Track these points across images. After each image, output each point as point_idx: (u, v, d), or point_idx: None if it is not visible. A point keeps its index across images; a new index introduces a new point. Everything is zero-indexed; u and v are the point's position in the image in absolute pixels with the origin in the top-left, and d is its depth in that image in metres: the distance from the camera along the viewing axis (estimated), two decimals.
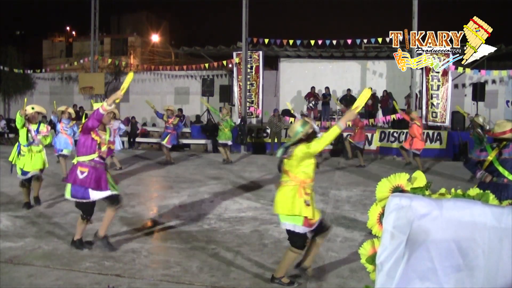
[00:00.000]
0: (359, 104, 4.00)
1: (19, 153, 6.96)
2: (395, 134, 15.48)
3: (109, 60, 21.50)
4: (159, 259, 4.92)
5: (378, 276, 2.71)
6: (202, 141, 16.58)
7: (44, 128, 7.12)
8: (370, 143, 15.44)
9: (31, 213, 6.76)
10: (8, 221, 6.28)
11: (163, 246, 5.40)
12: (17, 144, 7.07)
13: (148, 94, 20.95)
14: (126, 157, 13.28)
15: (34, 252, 5.03)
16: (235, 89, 17.43)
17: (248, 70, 16.97)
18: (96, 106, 5.83)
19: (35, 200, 7.22)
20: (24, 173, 6.94)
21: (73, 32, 40.10)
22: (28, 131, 6.96)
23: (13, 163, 7.04)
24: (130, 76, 4.88)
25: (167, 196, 8.15)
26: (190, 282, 4.27)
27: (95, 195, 4.94)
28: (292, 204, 4.04)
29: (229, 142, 12.90)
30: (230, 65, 17.99)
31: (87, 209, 5.05)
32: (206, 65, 18.83)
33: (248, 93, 16.90)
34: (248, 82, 16.97)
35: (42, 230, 5.86)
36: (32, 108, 7.04)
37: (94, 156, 4.96)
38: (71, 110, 9.88)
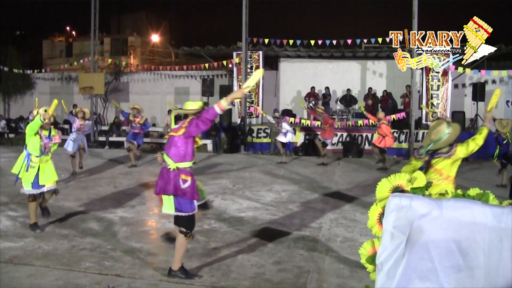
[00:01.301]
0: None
1: (28, 165, 5.88)
2: (395, 134, 15.48)
3: (109, 60, 21.49)
4: (159, 259, 4.92)
5: (378, 276, 2.71)
6: (203, 141, 16.57)
7: (56, 133, 6.23)
8: (370, 143, 15.44)
9: None
10: (8, 221, 6.28)
11: (163, 246, 5.39)
12: (24, 154, 5.95)
13: (148, 94, 20.97)
14: (127, 157, 13.27)
15: (34, 252, 5.03)
16: (235, 89, 17.41)
17: (248, 70, 16.97)
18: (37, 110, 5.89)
19: (44, 211, 6.28)
20: (38, 187, 5.91)
21: (73, 32, 40.15)
22: (40, 138, 5.99)
23: (19, 176, 5.92)
24: (259, 73, 4.35)
25: None
26: (190, 282, 4.27)
27: (196, 205, 4.40)
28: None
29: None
30: (230, 65, 17.99)
31: (193, 223, 4.42)
32: (206, 65, 18.82)
33: (248, 93, 16.87)
34: None
35: (42, 230, 5.86)
36: (45, 111, 6.11)
37: (192, 163, 4.43)
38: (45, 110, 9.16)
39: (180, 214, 4.29)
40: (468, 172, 11.22)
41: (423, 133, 14.76)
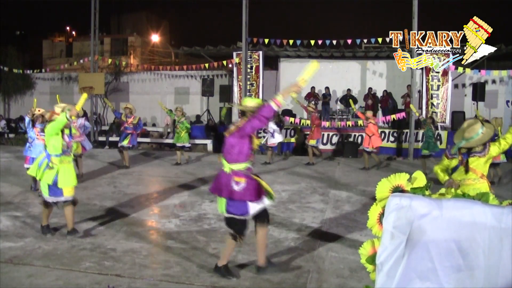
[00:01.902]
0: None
1: (47, 165, 5.50)
2: (395, 134, 15.49)
3: (109, 60, 21.49)
4: (159, 259, 4.92)
5: (378, 276, 2.71)
6: (202, 141, 16.57)
7: (76, 131, 5.88)
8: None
9: (31, 213, 6.76)
10: (8, 221, 6.28)
11: (163, 246, 5.40)
12: (43, 155, 5.62)
13: (148, 94, 20.97)
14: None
15: (34, 252, 5.03)
16: (235, 89, 17.43)
17: (248, 70, 16.97)
18: (57, 109, 5.62)
19: (71, 232, 5.65)
20: (55, 192, 5.51)
21: (73, 32, 40.13)
22: (62, 137, 5.67)
23: (38, 178, 5.60)
24: (314, 66, 4.14)
25: (167, 196, 8.15)
26: (190, 282, 4.27)
27: (253, 208, 4.26)
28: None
29: (186, 145, 12.47)
30: (230, 65, 17.98)
31: (243, 227, 4.31)
32: (206, 65, 18.82)
33: (248, 93, 16.90)
34: (248, 82, 16.97)
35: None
36: (68, 110, 5.66)
37: (249, 163, 4.32)
38: (43, 111, 8.17)
39: (231, 216, 4.23)
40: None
41: (424, 133, 14.75)
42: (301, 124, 16.06)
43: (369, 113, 12.44)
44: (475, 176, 4.36)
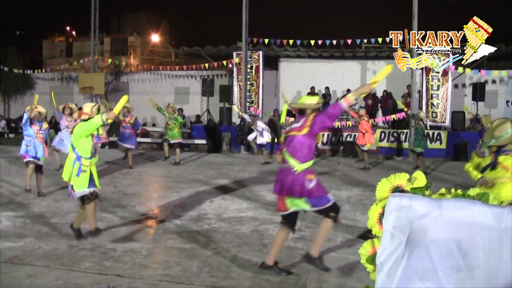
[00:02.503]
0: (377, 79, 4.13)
1: (79, 169, 5.22)
2: (395, 134, 15.49)
3: (109, 60, 21.50)
4: (159, 259, 4.92)
5: (378, 276, 2.71)
6: (203, 141, 16.58)
7: (103, 132, 5.73)
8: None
9: (31, 213, 6.76)
10: (8, 221, 6.28)
11: (163, 246, 5.40)
12: (72, 157, 5.27)
13: (148, 94, 20.94)
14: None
15: (34, 252, 5.03)
16: (235, 89, 17.43)
17: (248, 70, 16.97)
18: (86, 108, 5.28)
19: (94, 233, 5.44)
20: (94, 185, 5.40)
21: (73, 32, 40.13)
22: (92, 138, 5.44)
23: (71, 182, 5.29)
24: (388, 69, 4.15)
25: (167, 196, 8.15)
26: (190, 282, 4.27)
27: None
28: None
29: (180, 141, 12.45)
30: (230, 65, 17.99)
31: (337, 208, 4.27)
32: (206, 65, 18.83)
33: (248, 93, 16.91)
34: (248, 82, 16.97)
35: (42, 230, 5.86)
36: (98, 109, 5.46)
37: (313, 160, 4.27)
38: (41, 109, 8.17)
39: (319, 208, 4.18)
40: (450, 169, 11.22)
41: (426, 131, 14.74)
42: None
43: (362, 111, 12.60)
44: (505, 173, 4.36)
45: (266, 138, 12.72)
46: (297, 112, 4.40)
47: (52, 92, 10.66)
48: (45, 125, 8.16)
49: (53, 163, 10.38)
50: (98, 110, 5.37)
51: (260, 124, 12.77)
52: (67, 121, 9.91)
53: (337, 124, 16.21)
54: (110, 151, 15.11)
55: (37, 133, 7.88)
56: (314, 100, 4.25)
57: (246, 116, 13.62)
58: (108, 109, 12.29)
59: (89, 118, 5.24)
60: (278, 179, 4.25)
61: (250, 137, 13.22)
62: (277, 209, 4.37)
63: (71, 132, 5.39)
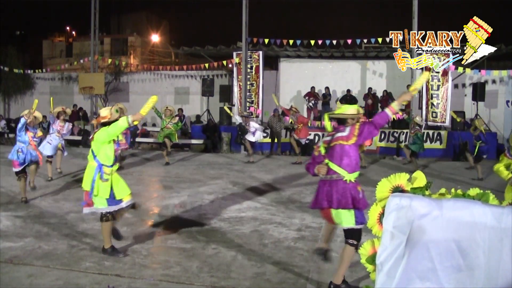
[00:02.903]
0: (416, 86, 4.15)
1: (101, 177, 4.87)
2: (395, 134, 15.48)
3: (109, 60, 21.49)
4: (159, 259, 4.92)
5: (378, 276, 2.71)
6: (199, 141, 16.58)
7: (122, 138, 5.14)
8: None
9: (31, 213, 6.75)
10: (8, 221, 6.28)
11: (163, 246, 5.40)
12: (93, 165, 4.92)
13: (148, 94, 20.79)
14: (125, 157, 13.28)
15: (34, 252, 5.03)
16: (235, 89, 17.42)
17: (248, 70, 16.97)
18: (103, 112, 4.94)
19: (109, 252, 4.96)
20: (115, 202, 4.92)
21: (73, 32, 40.11)
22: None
23: (94, 194, 4.87)
24: (425, 76, 4.19)
25: (167, 196, 8.15)
26: (190, 282, 4.27)
27: None
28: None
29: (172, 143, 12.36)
30: (230, 65, 17.99)
31: (361, 234, 4.06)
32: (206, 65, 18.83)
33: (248, 93, 16.90)
34: (248, 82, 16.97)
35: (42, 230, 5.86)
36: (116, 111, 5.26)
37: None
38: (37, 114, 7.86)
39: (360, 227, 3.99)
40: (450, 169, 11.25)
41: (424, 133, 14.75)
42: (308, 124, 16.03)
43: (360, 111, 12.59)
44: None
45: (257, 137, 12.73)
46: (336, 121, 4.31)
47: (52, 98, 10.43)
48: (39, 133, 7.92)
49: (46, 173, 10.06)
50: (117, 111, 5.02)
51: (253, 125, 12.75)
52: (59, 125, 9.63)
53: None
54: None
55: (31, 141, 7.50)
56: (354, 110, 4.19)
57: (237, 117, 13.62)
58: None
59: (109, 122, 4.89)
60: (323, 191, 4.06)
61: (247, 136, 13.19)
62: (344, 224, 4.09)
63: (93, 139, 5.00)
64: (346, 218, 3.97)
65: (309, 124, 13.53)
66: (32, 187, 7.92)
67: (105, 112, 5.01)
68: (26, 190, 7.47)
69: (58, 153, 9.79)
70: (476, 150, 10.65)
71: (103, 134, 4.84)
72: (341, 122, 4.20)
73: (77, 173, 10.26)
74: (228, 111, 14.35)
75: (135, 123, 4.93)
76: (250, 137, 12.71)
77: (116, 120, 4.84)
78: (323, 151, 4.20)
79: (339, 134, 4.12)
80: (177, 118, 12.15)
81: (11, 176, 9.64)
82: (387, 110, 4.00)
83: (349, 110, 4.20)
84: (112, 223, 4.96)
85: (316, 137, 16.00)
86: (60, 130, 9.63)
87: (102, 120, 4.95)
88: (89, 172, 4.92)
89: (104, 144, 4.88)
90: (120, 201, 4.93)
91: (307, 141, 13.29)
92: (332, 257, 4.44)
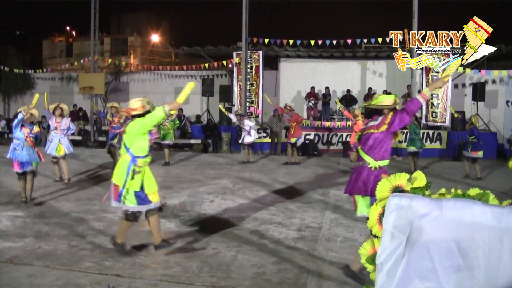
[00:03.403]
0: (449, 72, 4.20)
1: (134, 170, 4.75)
2: None
3: (109, 60, 21.51)
4: (159, 259, 4.92)
5: (378, 276, 2.71)
6: (197, 141, 16.58)
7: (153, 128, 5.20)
8: None
9: (31, 213, 6.75)
10: (8, 221, 6.28)
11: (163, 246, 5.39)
12: (126, 159, 4.80)
13: (148, 94, 20.94)
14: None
15: (34, 252, 5.03)
16: (235, 89, 17.43)
17: (248, 70, 16.98)
18: (135, 103, 4.70)
19: (161, 245, 4.96)
20: (144, 200, 4.83)
21: (73, 32, 40.13)
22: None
23: (126, 186, 4.79)
24: (457, 62, 4.13)
25: (167, 196, 8.14)
26: (190, 282, 4.27)
27: None
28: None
29: (171, 143, 12.37)
30: (230, 65, 18.00)
31: None
32: (206, 65, 18.84)
33: (248, 93, 16.91)
34: (248, 82, 16.98)
35: (42, 230, 5.86)
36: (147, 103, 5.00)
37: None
38: (34, 111, 7.54)
39: None
40: (450, 169, 11.25)
41: (424, 133, 14.75)
42: (301, 124, 16.04)
43: (357, 111, 12.60)
44: None
45: (253, 137, 12.71)
46: (374, 112, 4.36)
47: (46, 93, 10.14)
48: (36, 129, 7.60)
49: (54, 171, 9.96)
50: (149, 103, 4.88)
51: (248, 123, 12.73)
52: (56, 122, 9.31)
53: (337, 123, 16.22)
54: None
55: (26, 137, 7.31)
56: (390, 101, 4.22)
57: (232, 116, 13.62)
58: (95, 110, 11.83)
59: (141, 114, 4.76)
60: (351, 178, 4.17)
61: (240, 140, 13.18)
62: (358, 212, 4.20)
63: (123, 132, 4.89)
64: (361, 206, 4.06)
65: (303, 123, 13.58)
66: (25, 201, 7.31)
67: (136, 104, 4.82)
68: (26, 190, 7.36)
69: (61, 161, 9.26)
70: (470, 147, 10.64)
71: (138, 126, 4.71)
72: (377, 112, 4.25)
73: (77, 173, 10.27)
74: (223, 110, 14.30)
75: (172, 112, 4.82)
76: (247, 139, 12.66)
77: (149, 111, 4.73)
78: (356, 138, 4.37)
79: (372, 123, 4.24)
80: (174, 116, 12.01)
81: (11, 176, 9.63)
82: (418, 96, 4.05)
83: (385, 100, 4.25)
84: (131, 224, 4.90)
85: (316, 137, 16.03)
86: (57, 126, 9.24)
87: (133, 112, 4.79)
88: (122, 166, 4.79)
89: (138, 136, 4.73)
90: (149, 200, 4.81)
91: (298, 142, 13.25)
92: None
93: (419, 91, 16.09)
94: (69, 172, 9.39)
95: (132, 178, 4.74)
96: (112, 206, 4.99)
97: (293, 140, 12.58)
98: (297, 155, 12.73)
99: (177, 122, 12.29)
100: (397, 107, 4.33)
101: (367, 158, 4.09)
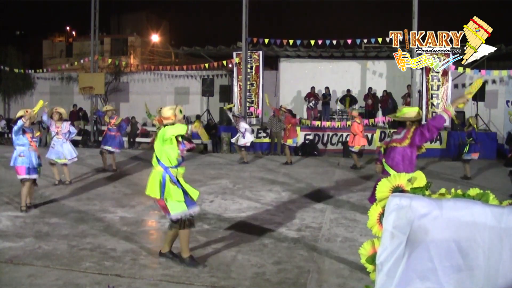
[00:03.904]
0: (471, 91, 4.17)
1: (171, 180, 4.56)
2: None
3: (109, 60, 21.50)
4: (159, 259, 4.92)
5: (378, 276, 2.71)
6: (197, 142, 16.56)
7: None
8: (370, 143, 15.45)
9: (31, 213, 6.75)
10: (8, 221, 6.28)
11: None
12: (158, 171, 4.59)
13: (148, 94, 20.96)
14: (126, 157, 13.29)
15: (34, 252, 5.03)
16: (235, 89, 17.43)
17: (248, 70, 16.98)
18: (166, 112, 4.60)
19: (188, 262, 4.68)
20: (193, 203, 4.63)
21: (73, 32, 40.14)
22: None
23: (165, 197, 4.58)
24: (479, 82, 4.30)
25: None
26: (190, 282, 4.27)
27: None
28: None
29: None
30: (230, 65, 17.99)
31: None
32: (206, 65, 18.83)
33: (248, 93, 16.91)
34: (248, 82, 16.97)
35: (42, 230, 5.86)
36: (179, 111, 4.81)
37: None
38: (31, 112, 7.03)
39: None
40: (450, 169, 11.25)
41: None
42: (301, 123, 16.07)
43: (355, 113, 12.73)
44: None
45: (248, 139, 12.64)
46: (397, 124, 4.49)
47: (42, 102, 9.97)
48: (37, 132, 7.41)
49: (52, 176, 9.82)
50: (181, 112, 4.73)
51: (243, 125, 12.67)
52: (56, 127, 9.16)
53: (337, 123, 16.22)
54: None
55: (31, 141, 7.00)
56: (413, 113, 4.29)
57: (230, 116, 13.64)
58: (93, 109, 11.66)
59: (172, 123, 4.63)
60: (374, 188, 4.25)
61: (234, 140, 13.17)
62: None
63: (154, 141, 4.70)
64: None
65: (298, 124, 13.60)
66: (25, 209, 6.89)
67: (168, 113, 4.66)
68: (28, 197, 6.96)
69: (64, 167, 9.13)
70: (467, 148, 10.72)
71: (160, 133, 4.60)
72: (401, 124, 4.37)
73: (77, 173, 10.27)
74: (228, 112, 14.25)
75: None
76: (241, 141, 12.63)
77: (180, 121, 4.63)
78: (382, 151, 4.51)
79: (396, 137, 4.36)
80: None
81: (11, 176, 9.64)
82: (442, 112, 4.11)
83: (408, 113, 4.33)
84: (190, 232, 4.67)
85: (316, 137, 16.03)
86: (58, 131, 9.11)
87: (165, 122, 4.66)
88: (154, 177, 4.60)
89: (166, 145, 4.58)
90: (195, 203, 4.66)
91: (295, 144, 13.23)
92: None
93: (419, 91, 16.09)
94: (70, 174, 9.35)
95: (170, 188, 4.54)
96: (172, 220, 4.64)
97: (289, 142, 12.57)
98: (290, 156, 12.71)
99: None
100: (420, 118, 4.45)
101: (390, 171, 4.21)
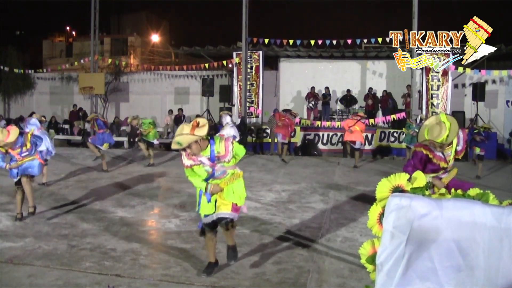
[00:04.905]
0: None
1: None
2: (395, 134, 15.49)
3: (109, 60, 21.48)
4: (159, 259, 4.92)
5: (378, 276, 2.71)
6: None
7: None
8: (370, 143, 15.47)
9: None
10: (8, 221, 6.28)
11: (163, 246, 5.40)
12: (199, 181, 4.38)
13: (148, 94, 20.96)
14: (126, 157, 13.29)
15: (34, 252, 5.03)
16: (235, 89, 17.43)
17: (248, 70, 16.97)
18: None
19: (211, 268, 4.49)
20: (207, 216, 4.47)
21: (73, 32, 40.12)
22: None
23: (200, 213, 4.48)
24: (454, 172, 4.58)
25: (167, 196, 8.15)
26: (190, 282, 4.27)
27: None
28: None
29: (156, 142, 12.55)
30: (230, 65, 17.99)
31: None
32: (206, 65, 18.82)
33: (248, 93, 16.91)
34: (248, 82, 16.97)
35: (42, 230, 5.86)
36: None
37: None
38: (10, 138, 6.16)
39: None
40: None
41: (408, 128, 14.74)
42: (301, 123, 16.07)
43: (360, 113, 12.76)
44: None
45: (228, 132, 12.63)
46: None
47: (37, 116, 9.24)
48: (27, 145, 6.47)
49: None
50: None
51: (228, 131, 12.34)
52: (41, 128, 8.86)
53: (337, 124, 16.21)
54: (111, 150, 15.08)
55: (18, 156, 6.39)
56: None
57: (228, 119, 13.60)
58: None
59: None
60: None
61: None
62: None
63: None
64: None
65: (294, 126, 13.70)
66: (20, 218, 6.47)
67: (202, 132, 4.29)
68: (30, 200, 6.59)
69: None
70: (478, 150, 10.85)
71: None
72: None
73: (77, 173, 10.27)
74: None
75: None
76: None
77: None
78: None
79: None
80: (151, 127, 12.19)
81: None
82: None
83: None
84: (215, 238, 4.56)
85: (316, 137, 16.03)
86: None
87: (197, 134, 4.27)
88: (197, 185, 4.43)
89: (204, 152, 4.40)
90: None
91: (288, 142, 13.29)
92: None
93: (419, 91, 16.07)
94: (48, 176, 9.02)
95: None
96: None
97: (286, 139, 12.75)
98: (284, 152, 12.84)
99: (151, 121, 12.38)
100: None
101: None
